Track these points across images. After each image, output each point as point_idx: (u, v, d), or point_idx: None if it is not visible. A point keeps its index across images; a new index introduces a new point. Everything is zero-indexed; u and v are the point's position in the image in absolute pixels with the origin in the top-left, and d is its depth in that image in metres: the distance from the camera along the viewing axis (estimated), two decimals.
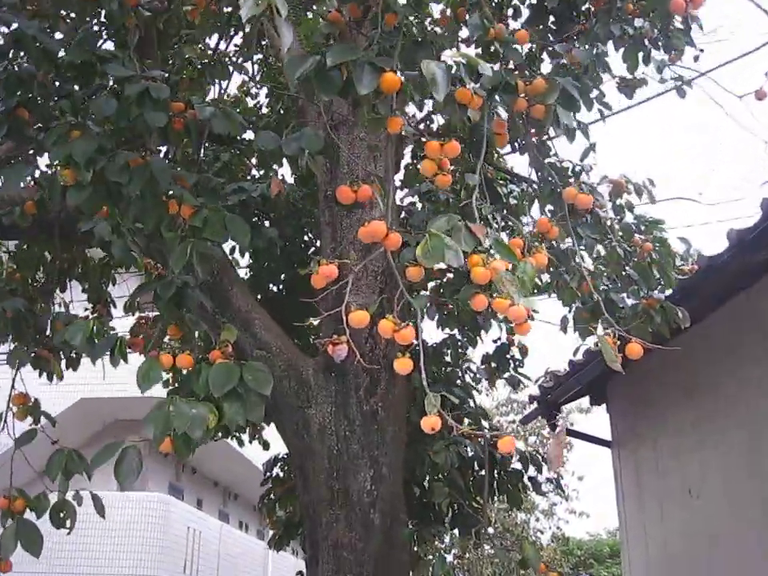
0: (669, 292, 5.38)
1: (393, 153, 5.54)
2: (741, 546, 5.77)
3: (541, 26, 5.32)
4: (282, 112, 7.53)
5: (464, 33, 4.43)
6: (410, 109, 7.48)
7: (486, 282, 2.45)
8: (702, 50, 4.97)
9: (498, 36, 3.37)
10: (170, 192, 3.35)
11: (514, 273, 2.45)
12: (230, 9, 7.31)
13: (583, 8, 5.26)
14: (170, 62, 5.21)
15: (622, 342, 3.22)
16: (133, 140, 3.55)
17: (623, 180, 6.55)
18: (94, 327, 3.39)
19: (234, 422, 3.17)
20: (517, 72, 3.45)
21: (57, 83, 3.52)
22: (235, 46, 7.73)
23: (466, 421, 6.11)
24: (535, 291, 6.95)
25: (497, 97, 3.09)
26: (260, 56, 8.06)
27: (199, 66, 5.42)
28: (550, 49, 4.49)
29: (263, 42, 7.54)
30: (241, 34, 7.03)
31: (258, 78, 8.21)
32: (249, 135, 7.62)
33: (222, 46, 7.42)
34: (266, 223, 6.33)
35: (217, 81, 5.58)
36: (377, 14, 3.09)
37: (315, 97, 3.08)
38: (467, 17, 3.44)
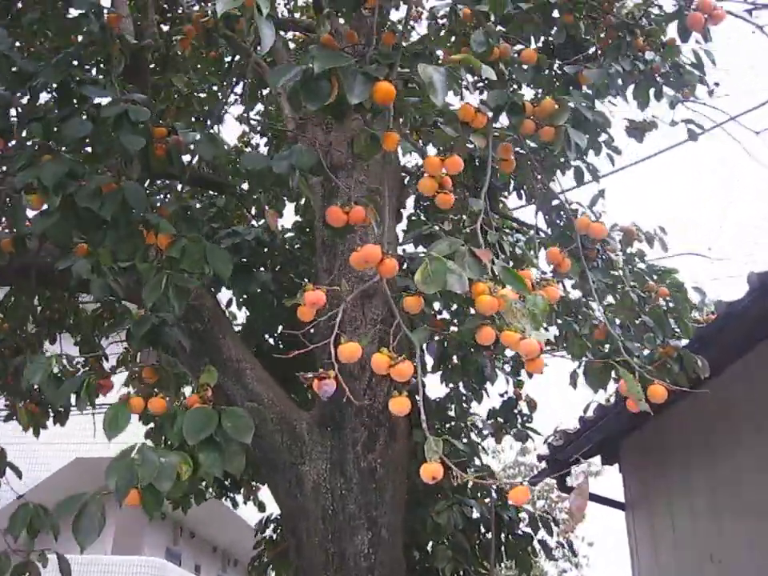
0: (684, 341, 5.09)
1: (394, 198, 5.31)
2: None
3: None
4: None
5: None
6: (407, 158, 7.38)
7: (493, 313, 2.17)
8: (717, 84, 4.76)
9: (504, 55, 3.15)
10: (147, 220, 3.09)
11: (524, 305, 2.17)
12: (230, 58, 7.28)
13: (590, 50, 5.09)
14: (158, 92, 5.01)
15: (643, 385, 2.91)
16: (109, 167, 3.29)
17: (634, 228, 6.31)
18: (56, 365, 3.09)
19: (210, 474, 2.86)
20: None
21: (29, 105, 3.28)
22: (235, 94, 7.64)
23: (470, 474, 5.75)
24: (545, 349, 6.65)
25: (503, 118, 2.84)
26: (260, 107, 7.97)
27: (186, 94, 5.19)
28: (559, 72, 4.26)
29: (263, 91, 7.43)
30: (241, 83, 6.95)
31: (258, 129, 8.07)
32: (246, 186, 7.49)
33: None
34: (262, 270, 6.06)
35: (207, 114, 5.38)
36: (371, 36, 2.88)
37: (303, 110, 2.84)
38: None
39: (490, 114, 2.67)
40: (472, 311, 5.67)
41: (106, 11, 3.59)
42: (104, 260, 3.62)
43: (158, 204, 3.26)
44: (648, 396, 3.11)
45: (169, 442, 3.07)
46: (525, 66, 3.32)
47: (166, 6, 6.05)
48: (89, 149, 3.35)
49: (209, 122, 5.50)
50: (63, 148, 3.13)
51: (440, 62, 2.58)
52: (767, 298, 4.61)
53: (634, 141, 6.01)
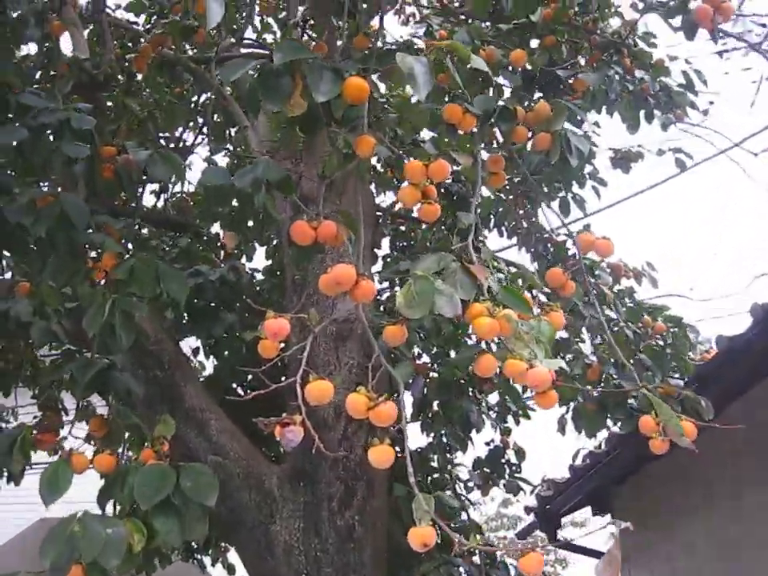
0: (682, 381, 4.77)
1: (369, 234, 4.97)
2: None
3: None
4: None
5: None
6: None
7: (494, 338, 1.81)
8: (711, 102, 4.51)
9: (490, 57, 2.84)
10: (90, 239, 2.70)
11: (531, 328, 1.81)
12: (196, 97, 6.98)
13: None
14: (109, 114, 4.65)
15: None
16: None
17: (621, 264, 6.04)
18: None
19: (168, 543, 2.44)
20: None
21: None
22: (203, 134, 7.32)
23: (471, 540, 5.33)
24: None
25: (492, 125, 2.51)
26: (229, 147, 7.68)
27: (141, 114, 4.83)
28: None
29: (231, 131, 7.12)
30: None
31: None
32: (216, 228, 7.13)
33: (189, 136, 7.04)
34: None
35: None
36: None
37: (261, 109, 2.50)
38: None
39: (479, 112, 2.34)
40: (453, 355, 5.35)
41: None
42: (49, 300, 3.25)
43: (104, 222, 2.87)
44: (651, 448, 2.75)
45: (119, 507, 2.68)
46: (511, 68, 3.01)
47: (130, 44, 5.78)
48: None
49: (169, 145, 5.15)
50: None
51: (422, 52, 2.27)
52: None
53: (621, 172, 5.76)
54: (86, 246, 2.78)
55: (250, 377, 6.08)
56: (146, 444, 2.82)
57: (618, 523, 1.72)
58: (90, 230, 2.81)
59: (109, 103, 4.90)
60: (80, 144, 2.65)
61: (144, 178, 3.25)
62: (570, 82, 4.05)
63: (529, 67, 3.97)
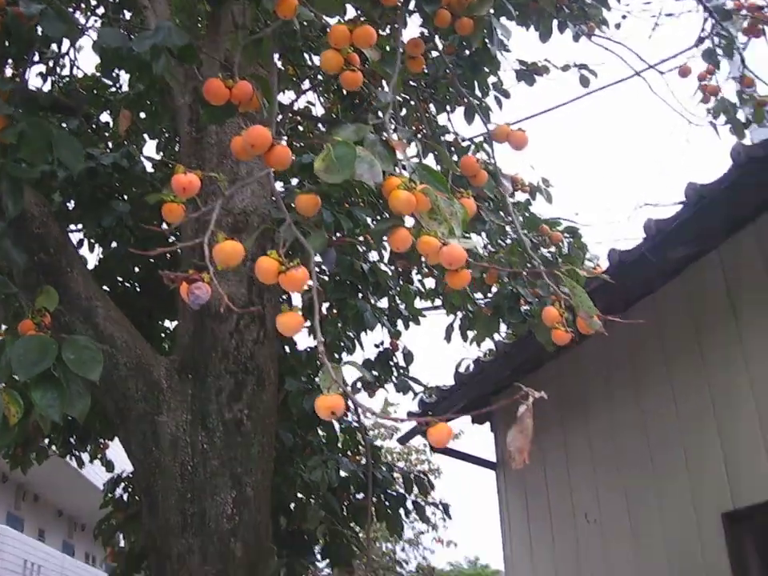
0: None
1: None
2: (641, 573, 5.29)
3: None
4: (141, 87, 6.64)
5: None
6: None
7: (411, 213, 1.76)
8: (624, 17, 4.51)
9: None
10: None
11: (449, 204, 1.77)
12: None
13: None
14: None
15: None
16: None
17: (519, 177, 6.10)
18: None
19: (47, 417, 2.32)
20: None
21: None
22: (96, 16, 6.86)
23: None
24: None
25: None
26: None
27: None
28: None
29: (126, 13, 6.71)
30: None
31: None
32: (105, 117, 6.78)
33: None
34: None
35: None
36: None
37: None
38: None
39: None
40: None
41: None
42: None
43: None
44: (553, 339, 2.79)
45: None
46: None
47: None
48: None
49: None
50: None
51: None
52: (666, 247, 4.45)
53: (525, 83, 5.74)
54: None
55: (137, 269, 5.89)
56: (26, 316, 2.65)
57: (531, 392, 1.72)
58: None
59: None
60: None
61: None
62: None
63: None
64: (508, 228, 4.76)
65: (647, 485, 5.28)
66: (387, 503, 5.42)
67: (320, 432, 5.38)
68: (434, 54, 4.46)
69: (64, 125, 5.39)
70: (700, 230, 4.58)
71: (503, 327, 5.44)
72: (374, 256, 5.67)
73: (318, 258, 3.87)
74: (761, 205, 4.56)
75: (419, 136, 5.61)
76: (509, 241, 4.72)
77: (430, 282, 6.41)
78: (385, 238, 1.85)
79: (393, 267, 5.83)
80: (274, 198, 4.21)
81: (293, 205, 2.19)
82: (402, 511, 5.42)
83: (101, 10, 6.60)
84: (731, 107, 5.80)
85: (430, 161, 4.99)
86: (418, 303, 6.19)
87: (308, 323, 5.53)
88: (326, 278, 5.29)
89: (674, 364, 5.16)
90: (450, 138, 5.37)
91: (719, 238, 4.81)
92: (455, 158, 4.70)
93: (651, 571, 5.18)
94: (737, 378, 4.67)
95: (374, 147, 1.81)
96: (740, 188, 4.23)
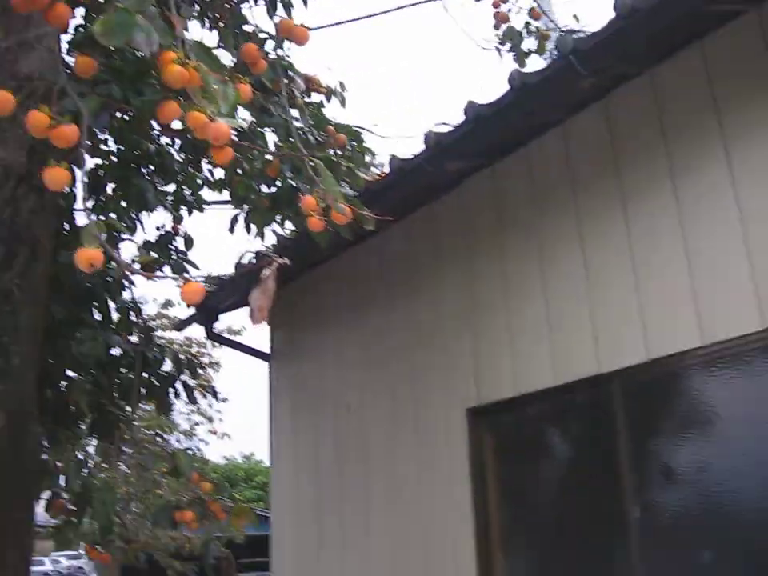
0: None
1: None
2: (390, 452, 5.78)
3: None
4: None
5: None
6: None
7: (182, 87, 1.86)
8: None
9: None
10: None
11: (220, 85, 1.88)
12: None
13: None
14: None
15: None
16: None
17: (317, 78, 6.19)
18: None
19: None
20: None
21: None
22: None
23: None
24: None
25: None
26: None
27: None
28: None
29: None
30: None
31: None
32: None
33: None
34: None
35: None
36: None
37: None
38: None
39: None
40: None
41: None
42: None
43: None
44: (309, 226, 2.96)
45: None
46: None
47: None
48: None
49: None
50: None
51: None
52: (443, 158, 4.74)
53: None
54: None
55: None
56: None
57: (275, 257, 1.91)
58: None
59: None
60: None
61: None
62: None
63: None
64: (298, 124, 4.89)
65: (407, 380, 5.71)
66: (158, 383, 5.52)
67: (94, 309, 5.34)
68: None
69: None
70: (475, 145, 4.90)
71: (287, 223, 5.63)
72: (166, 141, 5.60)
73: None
74: (529, 131, 4.95)
75: (221, 24, 5.57)
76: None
77: (219, 173, 6.43)
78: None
79: (183, 155, 5.79)
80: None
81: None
82: (171, 391, 5.54)
83: None
84: (517, 36, 6.19)
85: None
86: (208, 194, 6.20)
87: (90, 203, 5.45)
88: (112, 159, 5.20)
89: (445, 272, 5.55)
90: (249, 28, 5.36)
91: (495, 157, 5.18)
92: None
93: (401, 454, 5.64)
94: (491, 288, 5.14)
95: (153, 20, 1.89)
96: (513, 110, 4.54)
